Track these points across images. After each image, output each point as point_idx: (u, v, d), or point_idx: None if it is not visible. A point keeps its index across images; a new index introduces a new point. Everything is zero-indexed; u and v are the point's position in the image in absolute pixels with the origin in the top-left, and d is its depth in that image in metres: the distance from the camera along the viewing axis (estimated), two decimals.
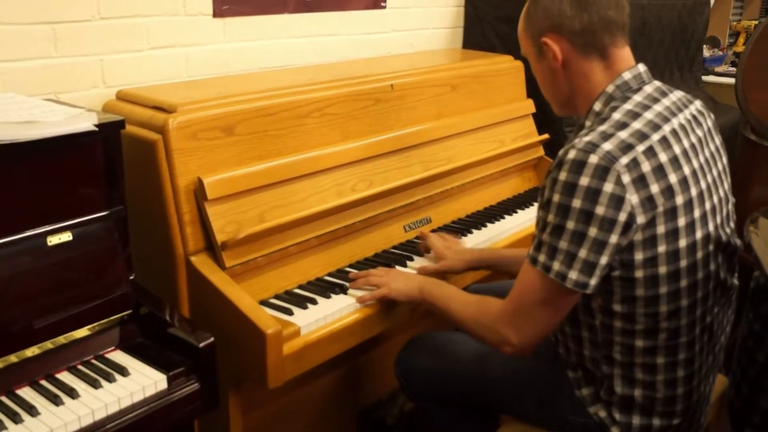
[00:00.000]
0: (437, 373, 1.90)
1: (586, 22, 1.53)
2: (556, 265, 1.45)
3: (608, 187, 1.39)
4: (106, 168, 1.67)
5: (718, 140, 1.67)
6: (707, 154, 1.59)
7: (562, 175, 1.43)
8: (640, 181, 1.42)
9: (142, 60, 2.19)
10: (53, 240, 1.57)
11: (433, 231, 2.35)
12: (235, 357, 1.75)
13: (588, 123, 1.58)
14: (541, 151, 2.88)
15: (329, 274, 2.04)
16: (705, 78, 4.40)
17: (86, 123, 1.59)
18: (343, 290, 1.94)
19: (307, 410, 2.27)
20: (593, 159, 1.40)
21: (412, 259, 2.14)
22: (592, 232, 1.41)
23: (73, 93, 2.04)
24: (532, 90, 2.93)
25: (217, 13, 2.35)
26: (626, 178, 1.40)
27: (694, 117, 1.61)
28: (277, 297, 1.91)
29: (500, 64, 2.86)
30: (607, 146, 1.42)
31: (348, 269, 2.06)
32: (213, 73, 2.38)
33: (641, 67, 1.59)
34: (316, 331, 1.79)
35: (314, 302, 1.87)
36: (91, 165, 1.64)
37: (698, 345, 1.58)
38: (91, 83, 2.09)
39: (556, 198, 1.44)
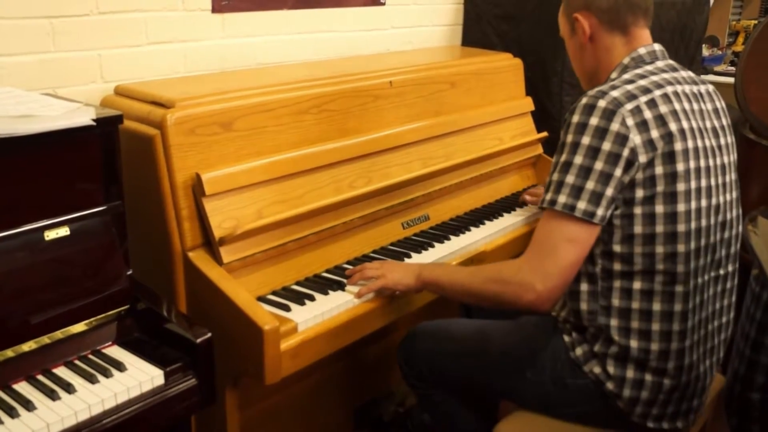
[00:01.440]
0: (438, 354, 1.93)
1: (612, 2, 1.74)
2: (562, 198, 1.58)
3: (615, 126, 1.56)
4: (104, 163, 1.66)
5: (725, 121, 1.78)
6: (710, 125, 1.71)
7: (575, 118, 1.61)
8: (643, 125, 1.58)
9: (140, 55, 2.19)
10: (50, 235, 1.57)
11: (431, 228, 2.35)
12: (232, 353, 1.75)
13: None
14: (539, 149, 2.88)
15: (327, 271, 2.04)
16: (704, 77, 4.40)
17: (84, 118, 1.59)
18: (340, 287, 1.93)
19: (304, 406, 2.27)
20: (602, 103, 1.58)
21: (409, 256, 2.14)
22: (599, 165, 1.56)
23: (71, 88, 2.04)
24: (531, 88, 2.93)
25: (216, 8, 2.34)
26: (630, 121, 1.57)
27: (700, 93, 1.75)
28: (274, 293, 1.91)
29: (499, 61, 2.86)
30: (614, 93, 1.60)
31: (346, 266, 2.06)
32: (211, 69, 2.38)
33: (656, 46, 1.78)
34: (313, 328, 1.79)
35: (312, 299, 1.87)
36: (89, 160, 1.64)
37: (692, 302, 1.66)
38: (89, 78, 2.08)
39: (569, 138, 1.61)
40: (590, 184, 1.56)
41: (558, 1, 1.89)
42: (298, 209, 1.94)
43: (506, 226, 2.43)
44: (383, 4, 2.91)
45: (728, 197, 1.72)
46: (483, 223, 2.43)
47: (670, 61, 1.78)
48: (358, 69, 2.40)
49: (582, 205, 1.56)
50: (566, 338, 1.76)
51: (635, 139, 1.56)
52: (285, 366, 1.73)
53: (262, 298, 1.87)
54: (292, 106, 2.06)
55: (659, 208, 1.59)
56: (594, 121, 1.58)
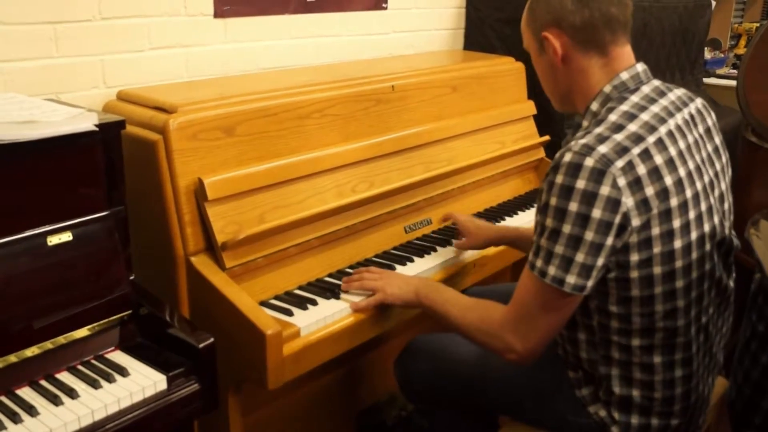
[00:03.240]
0: (436, 375, 1.89)
1: (587, 17, 1.53)
2: (552, 270, 1.46)
3: (604, 190, 1.40)
4: (107, 168, 1.67)
5: (718, 139, 1.67)
6: (705, 154, 1.59)
7: (559, 179, 1.43)
8: (636, 184, 1.42)
9: (142, 60, 2.19)
10: (53, 240, 1.57)
11: (434, 232, 2.35)
12: (234, 358, 1.75)
13: (585, 123, 1.59)
14: (542, 153, 2.88)
15: (329, 275, 2.04)
16: (706, 80, 4.40)
17: (87, 123, 1.59)
18: (343, 291, 1.93)
19: (306, 411, 2.27)
20: (589, 162, 1.41)
21: (412, 260, 2.14)
22: (589, 235, 1.42)
23: (73, 93, 2.04)
24: (533, 91, 2.93)
25: (218, 13, 2.35)
26: (622, 181, 1.41)
27: (692, 117, 1.61)
28: (277, 298, 1.91)
29: (501, 65, 2.86)
30: (603, 149, 1.42)
31: (348, 270, 2.06)
32: (214, 74, 2.38)
33: (639, 67, 1.59)
34: (316, 332, 1.79)
35: (314, 303, 1.87)
36: (92, 165, 1.64)
37: (695, 346, 1.58)
38: (91, 83, 2.09)
39: (553, 201, 1.45)
40: (580, 257, 1.43)
41: None
42: (300, 214, 1.94)
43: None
44: (385, 8, 2.91)
45: (728, 224, 1.65)
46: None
47: (656, 83, 1.61)
48: (360, 73, 2.40)
49: (572, 279, 1.44)
50: (571, 374, 1.69)
51: (627, 202, 1.41)
52: (288, 371, 1.73)
53: (264, 303, 1.87)
54: (293, 111, 2.06)
55: (657, 270, 1.47)
56: (581, 184, 1.40)
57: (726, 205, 1.65)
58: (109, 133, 1.65)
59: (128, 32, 2.14)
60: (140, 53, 2.18)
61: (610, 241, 1.42)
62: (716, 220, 1.57)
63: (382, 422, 2.50)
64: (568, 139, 1.53)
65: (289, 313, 1.81)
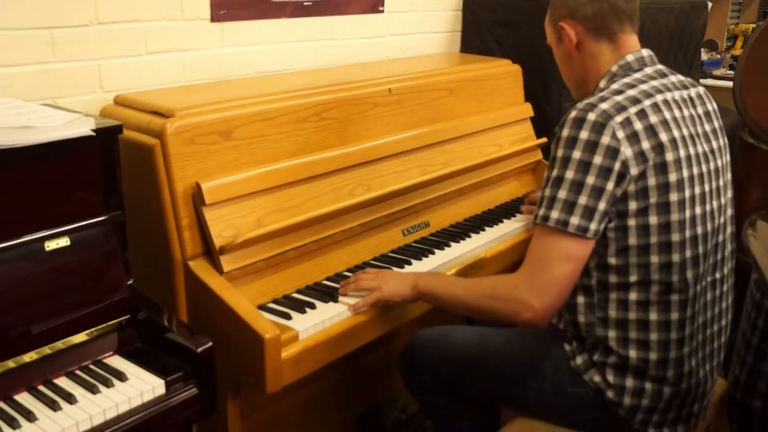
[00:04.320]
0: (439, 363, 1.92)
1: (597, 9, 1.74)
2: (555, 213, 1.57)
3: (605, 139, 1.55)
4: (104, 173, 1.67)
5: (717, 123, 1.78)
6: (700, 130, 1.71)
7: (565, 132, 1.60)
8: (633, 137, 1.57)
9: (139, 65, 2.19)
10: (51, 245, 1.57)
11: (431, 235, 2.36)
12: (233, 362, 1.75)
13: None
14: (539, 155, 2.88)
15: (328, 279, 2.04)
16: (703, 81, 4.41)
17: (84, 128, 1.59)
18: (342, 294, 1.93)
19: (305, 415, 2.26)
20: (591, 116, 1.57)
21: (410, 263, 2.14)
22: (590, 179, 1.56)
23: (70, 98, 2.04)
24: (530, 94, 2.94)
25: (215, 17, 2.35)
26: (620, 134, 1.56)
27: (690, 98, 1.74)
28: (275, 301, 1.91)
29: (498, 68, 2.86)
30: (604, 105, 1.59)
31: (346, 273, 2.06)
32: (211, 78, 2.38)
33: (645, 52, 1.77)
34: (314, 336, 1.79)
35: (312, 307, 1.87)
36: (89, 170, 1.64)
37: (689, 310, 1.65)
38: (88, 88, 2.09)
39: (559, 152, 1.60)
40: (582, 199, 1.56)
41: None
42: (297, 217, 1.94)
43: (506, 232, 2.43)
44: (382, 11, 2.92)
45: (722, 200, 1.73)
46: (483, 230, 2.43)
47: (659, 67, 1.77)
48: (357, 77, 2.41)
49: (575, 220, 1.56)
50: (566, 347, 1.76)
51: (626, 151, 1.55)
52: (286, 374, 1.73)
53: (262, 307, 1.87)
54: (291, 115, 2.06)
55: (653, 219, 1.59)
56: (584, 134, 1.57)
57: (721, 182, 1.73)
58: (107, 137, 1.65)
59: (125, 37, 2.14)
60: (137, 58, 2.18)
61: (610, 186, 1.56)
62: (707, 188, 1.67)
63: (381, 425, 2.50)
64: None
65: (288, 317, 1.81)
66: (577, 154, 1.57)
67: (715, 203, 1.69)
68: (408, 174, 2.33)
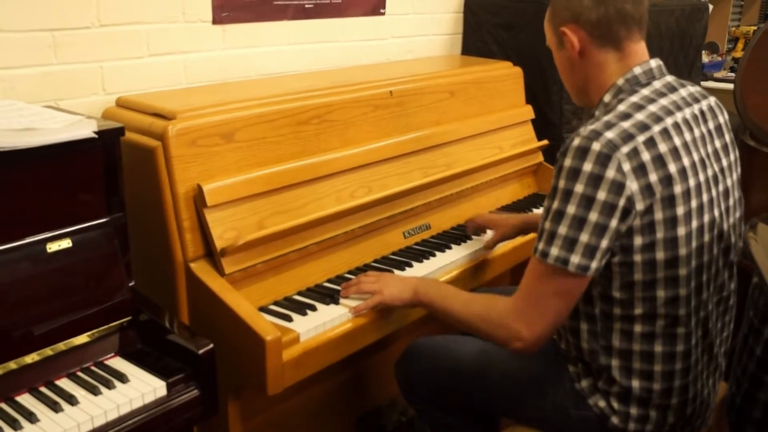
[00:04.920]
0: (438, 374, 1.90)
1: (603, 14, 1.60)
2: (555, 251, 1.49)
3: (610, 173, 1.45)
4: (106, 175, 1.67)
5: (728, 137, 1.70)
6: (711, 149, 1.63)
7: (567, 162, 1.49)
8: (640, 169, 1.47)
9: (141, 67, 2.20)
10: (53, 247, 1.57)
11: (432, 237, 2.36)
12: (234, 363, 1.75)
13: (597, 113, 1.64)
14: (540, 158, 2.88)
15: (329, 281, 2.04)
16: (704, 84, 4.41)
17: (86, 130, 1.59)
18: (343, 296, 1.94)
19: (306, 416, 2.26)
20: (596, 146, 1.46)
21: (411, 266, 2.14)
22: (593, 216, 1.46)
23: (73, 100, 2.05)
24: (531, 96, 2.94)
25: (217, 20, 2.35)
26: (626, 166, 1.45)
27: (702, 113, 1.65)
28: (276, 303, 1.91)
29: (499, 70, 2.87)
30: (610, 134, 1.47)
31: (348, 276, 2.06)
32: (212, 80, 2.39)
33: (653, 63, 1.65)
34: (315, 338, 1.79)
35: (314, 309, 1.87)
36: (91, 172, 1.65)
37: (694, 338, 1.60)
38: (90, 90, 2.09)
39: (561, 184, 1.50)
40: (584, 237, 1.47)
41: None
42: (299, 219, 1.94)
43: None
44: (383, 14, 2.92)
45: (731, 220, 1.66)
46: (484, 232, 2.43)
47: (668, 79, 1.66)
48: (358, 79, 2.41)
49: (575, 259, 1.48)
50: (571, 368, 1.71)
51: (632, 186, 1.45)
52: (287, 376, 1.73)
53: (263, 309, 1.87)
54: (292, 117, 2.06)
55: (660, 255, 1.51)
56: (587, 167, 1.46)
57: (731, 201, 1.67)
58: (109, 139, 1.65)
59: (127, 39, 2.14)
60: (139, 60, 2.19)
61: (614, 223, 1.46)
62: (716, 213, 1.59)
63: (383, 427, 2.50)
64: (578, 126, 1.58)
65: (289, 319, 1.82)
66: (579, 188, 1.47)
67: (725, 225, 1.63)
68: (409, 176, 2.33)
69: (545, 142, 2.86)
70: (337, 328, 1.84)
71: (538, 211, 2.56)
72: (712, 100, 1.73)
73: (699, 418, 1.72)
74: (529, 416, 1.79)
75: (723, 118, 1.72)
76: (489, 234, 2.35)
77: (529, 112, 2.91)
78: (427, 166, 2.41)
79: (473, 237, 2.37)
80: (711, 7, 4.14)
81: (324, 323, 1.82)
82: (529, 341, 1.57)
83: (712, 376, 1.72)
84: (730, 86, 3.53)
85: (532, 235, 2.45)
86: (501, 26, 3.11)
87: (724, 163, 1.66)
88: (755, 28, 5.04)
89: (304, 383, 1.86)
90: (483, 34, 3.19)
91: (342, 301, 1.92)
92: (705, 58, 4.78)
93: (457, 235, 2.39)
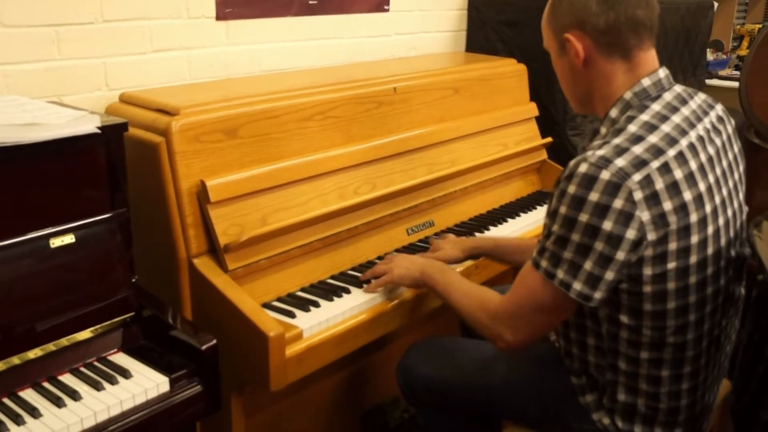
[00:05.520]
0: (439, 380, 1.88)
1: (612, 21, 1.48)
2: (560, 274, 1.43)
3: (618, 203, 1.36)
4: (109, 170, 1.67)
5: (736, 148, 1.63)
6: (724, 165, 1.55)
7: (571, 189, 1.40)
8: (653, 199, 1.38)
9: (145, 63, 2.19)
10: (56, 242, 1.57)
11: (436, 234, 2.35)
12: (237, 359, 1.75)
13: (603, 130, 1.55)
14: (544, 155, 2.88)
15: (332, 277, 2.04)
16: (708, 81, 4.40)
17: (89, 125, 1.59)
18: (346, 293, 1.94)
19: (309, 413, 2.26)
20: (605, 175, 1.36)
21: None
22: (598, 246, 1.38)
23: (76, 95, 2.05)
24: (535, 93, 2.93)
25: (220, 15, 2.35)
26: (638, 195, 1.36)
27: (713, 125, 1.56)
28: (279, 300, 1.91)
29: (503, 67, 2.86)
30: (620, 162, 1.38)
31: (351, 272, 2.06)
32: (216, 76, 2.39)
33: (662, 73, 1.54)
34: (318, 334, 1.79)
35: (317, 305, 1.87)
36: (94, 167, 1.65)
37: (704, 359, 1.56)
38: (94, 86, 2.09)
39: (563, 210, 1.41)
40: (588, 265, 1.40)
41: None
42: (302, 216, 1.94)
43: (511, 232, 2.43)
44: (387, 10, 2.91)
45: (744, 234, 1.62)
46: (488, 229, 2.43)
47: (678, 90, 1.55)
48: (362, 75, 2.41)
49: (578, 286, 1.41)
50: (574, 380, 1.67)
51: (642, 216, 1.36)
52: (290, 372, 1.73)
53: (267, 305, 1.87)
54: (296, 113, 2.06)
55: (671, 285, 1.43)
56: (594, 196, 1.36)
57: (738, 222, 1.60)
58: (112, 135, 1.65)
59: (130, 34, 2.14)
60: (142, 55, 2.19)
61: (621, 255, 1.38)
62: (732, 233, 1.53)
63: (385, 424, 2.49)
64: (584, 146, 1.52)
65: (292, 315, 1.82)
66: (584, 218, 1.38)
67: (732, 252, 1.55)
68: (413, 173, 2.33)
69: (549, 139, 2.85)
70: (340, 324, 1.84)
71: (517, 222, 2.52)
72: (719, 108, 1.64)
73: (704, 422, 1.70)
74: (531, 423, 1.78)
75: (731, 127, 1.64)
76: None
77: (533, 109, 2.90)
78: (430, 163, 2.40)
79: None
80: (716, 4, 4.13)
81: (327, 319, 1.82)
82: (512, 345, 1.58)
83: (716, 381, 1.69)
84: (735, 84, 3.52)
85: (535, 234, 2.45)
86: (505, 23, 3.10)
87: (736, 177, 1.59)
88: (760, 26, 5.03)
89: (307, 380, 1.86)
90: (487, 31, 3.19)
91: (344, 297, 1.92)
92: (710, 56, 4.77)
93: (461, 232, 2.38)
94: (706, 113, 1.57)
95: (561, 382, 1.70)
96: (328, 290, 1.95)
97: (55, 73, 2.00)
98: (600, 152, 1.40)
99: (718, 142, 1.55)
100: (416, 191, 2.30)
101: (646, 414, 1.58)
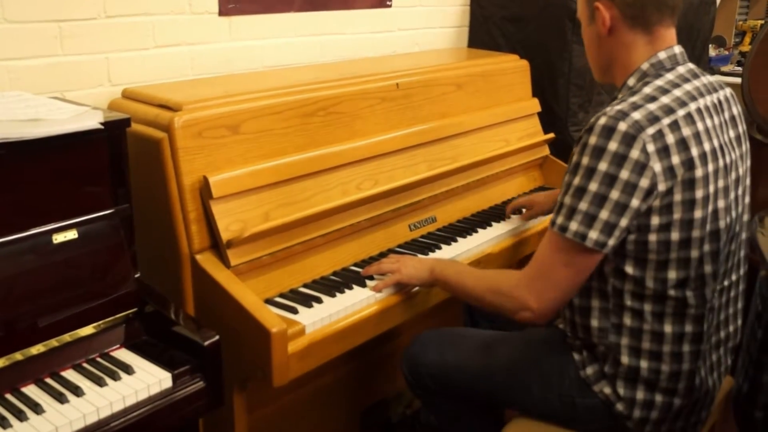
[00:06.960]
0: (443, 366, 1.91)
1: None
2: (575, 225, 1.53)
3: (634, 153, 1.48)
4: (112, 166, 1.67)
5: (741, 128, 1.73)
6: (727, 138, 1.65)
7: (592, 140, 1.52)
8: (664, 151, 1.50)
9: (147, 58, 2.19)
10: (59, 238, 1.57)
11: (438, 230, 2.35)
12: (240, 355, 1.75)
13: (620, 96, 1.65)
14: (546, 151, 2.87)
15: (334, 273, 2.04)
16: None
17: (92, 121, 1.59)
18: (348, 289, 1.94)
19: (312, 408, 2.27)
20: (622, 126, 1.49)
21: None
22: (615, 194, 1.50)
23: (79, 91, 2.05)
24: (538, 89, 2.93)
25: (223, 11, 2.35)
26: (651, 147, 1.49)
27: (719, 102, 1.68)
28: (282, 296, 1.91)
29: (506, 63, 2.86)
30: (636, 115, 1.51)
31: (353, 268, 2.06)
32: (218, 72, 2.38)
33: (677, 49, 1.67)
34: (321, 330, 1.79)
35: (319, 301, 1.87)
36: (97, 163, 1.65)
37: (705, 324, 1.62)
38: (97, 81, 2.09)
39: (584, 161, 1.53)
40: (604, 214, 1.51)
41: (563, 3, 1.86)
42: (305, 212, 1.94)
43: (514, 227, 2.43)
44: (389, 6, 2.91)
45: (739, 209, 1.68)
46: (490, 225, 2.42)
47: (691, 66, 1.68)
48: (365, 71, 2.40)
49: (594, 234, 1.52)
50: (576, 356, 1.73)
51: (655, 166, 1.49)
52: (293, 368, 1.73)
53: (269, 301, 1.87)
54: (298, 109, 2.06)
55: (675, 236, 1.54)
56: (613, 146, 1.49)
57: (740, 191, 1.69)
58: (115, 131, 1.65)
59: (133, 30, 2.14)
60: (145, 51, 2.18)
61: (635, 203, 1.50)
62: (730, 199, 1.63)
63: (388, 419, 2.50)
64: (585, 120, 1.59)
65: (294, 311, 1.82)
66: (603, 166, 1.50)
67: (733, 213, 1.65)
68: (415, 169, 2.33)
69: (551, 135, 2.85)
70: (343, 320, 1.84)
71: (519, 219, 2.53)
72: (728, 91, 1.75)
73: (704, 409, 1.72)
74: (535, 407, 1.80)
75: (737, 109, 1.74)
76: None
77: (535, 105, 2.90)
78: (433, 159, 2.40)
79: (507, 218, 2.47)
80: (718, 0, 4.12)
81: (330, 315, 1.82)
82: (537, 311, 1.61)
83: (717, 368, 1.73)
84: (737, 80, 3.51)
85: (540, 228, 2.46)
86: (508, 19, 3.10)
87: (737, 152, 1.68)
88: (763, 22, 5.01)
89: (310, 375, 1.86)
90: (490, 27, 3.18)
91: (346, 292, 1.92)
92: (712, 52, 4.76)
93: (463, 227, 2.38)
94: (715, 90, 1.69)
95: (563, 361, 1.75)
96: (330, 286, 1.95)
97: (58, 68, 2.00)
98: (618, 107, 1.54)
99: (722, 116, 1.67)
100: (419, 187, 2.30)
101: (648, 378, 1.63)
